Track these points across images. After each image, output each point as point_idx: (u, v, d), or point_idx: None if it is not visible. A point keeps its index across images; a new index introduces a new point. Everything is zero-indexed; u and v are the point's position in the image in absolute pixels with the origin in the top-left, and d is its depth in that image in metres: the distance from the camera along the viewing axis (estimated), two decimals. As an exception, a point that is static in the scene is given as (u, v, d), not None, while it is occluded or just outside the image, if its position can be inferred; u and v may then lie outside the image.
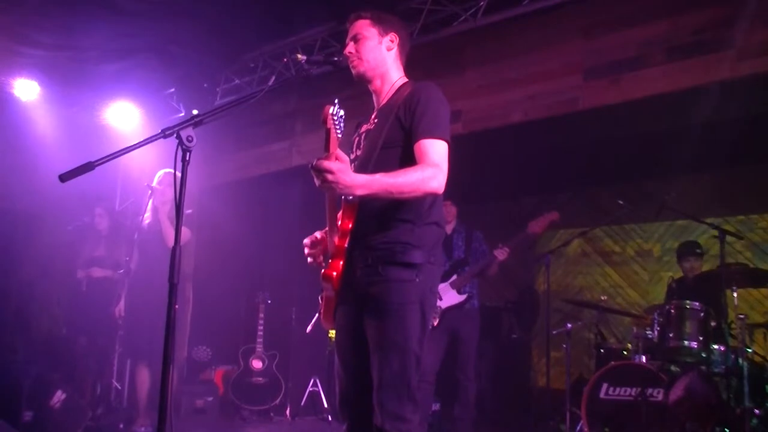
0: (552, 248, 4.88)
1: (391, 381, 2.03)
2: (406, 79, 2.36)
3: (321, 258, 2.24)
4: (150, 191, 4.80)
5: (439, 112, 2.16)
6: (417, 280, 2.08)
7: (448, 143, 2.14)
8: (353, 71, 2.33)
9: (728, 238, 4.08)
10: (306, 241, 2.28)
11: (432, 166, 2.05)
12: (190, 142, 1.96)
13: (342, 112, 1.92)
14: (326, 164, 1.89)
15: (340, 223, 2.13)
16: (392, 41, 2.33)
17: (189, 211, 4.62)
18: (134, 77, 5.91)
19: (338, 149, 1.97)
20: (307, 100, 5.95)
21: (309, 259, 2.27)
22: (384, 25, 2.33)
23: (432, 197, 2.14)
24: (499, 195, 6.96)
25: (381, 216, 2.11)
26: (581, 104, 4.36)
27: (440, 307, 4.31)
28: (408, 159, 2.12)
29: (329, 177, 1.89)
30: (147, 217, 4.85)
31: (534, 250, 6.17)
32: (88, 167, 1.85)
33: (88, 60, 5.51)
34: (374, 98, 2.38)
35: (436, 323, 4.22)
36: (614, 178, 6.03)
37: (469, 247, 4.55)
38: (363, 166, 2.19)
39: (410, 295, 2.07)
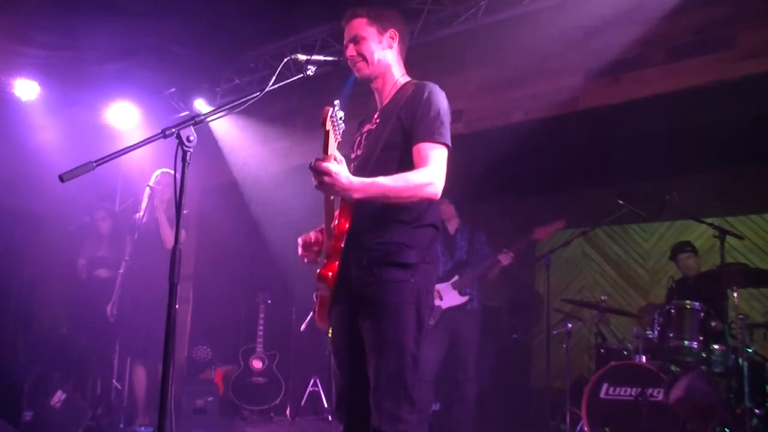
0: (552, 248, 4.87)
1: (387, 381, 2.03)
2: (408, 78, 2.33)
3: (314, 257, 2.24)
4: (149, 191, 4.79)
5: (440, 115, 2.14)
6: (412, 280, 2.07)
7: (448, 147, 2.13)
8: (358, 74, 2.29)
9: (728, 238, 4.07)
10: (300, 240, 2.28)
11: (430, 172, 2.05)
12: (190, 142, 1.97)
13: (342, 114, 1.90)
14: (324, 166, 1.88)
15: (336, 223, 2.12)
16: (392, 38, 2.29)
17: (185, 211, 4.61)
18: (134, 77, 5.91)
19: (336, 151, 1.96)
20: (307, 100, 5.95)
21: (304, 259, 2.27)
22: (382, 21, 2.28)
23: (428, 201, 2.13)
24: (499, 195, 6.96)
25: (377, 217, 2.10)
26: (581, 104, 4.36)
27: (440, 307, 4.31)
28: (407, 161, 2.12)
29: (326, 179, 1.89)
30: (143, 216, 4.84)
31: (534, 250, 6.16)
32: (88, 167, 1.85)
33: (88, 60, 5.51)
34: (376, 97, 2.36)
35: (432, 323, 4.21)
36: (614, 178, 6.03)
37: (472, 247, 4.55)
38: (362, 166, 2.18)
39: (405, 295, 2.07)
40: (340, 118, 1.90)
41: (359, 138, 2.33)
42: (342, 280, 2.12)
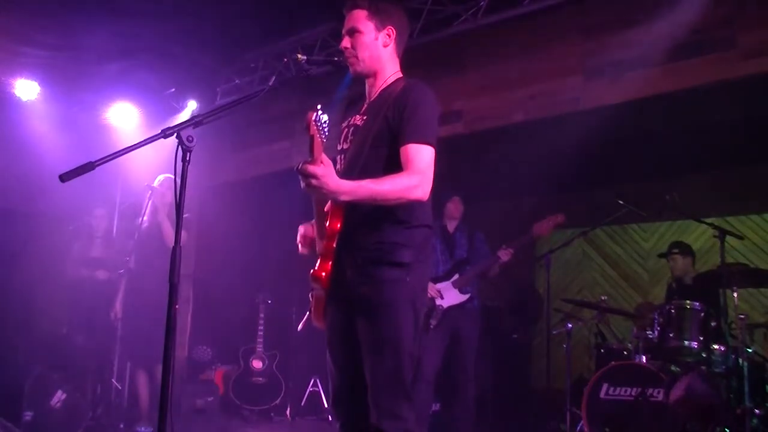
0: (552, 248, 4.87)
1: (386, 380, 2.04)
2: (400, 75, 2.31)
3: (308, 249, 2.27)
4: (150, 192, 4.79)
5: (427, 116, 2.13)
6: (407, 279, 2.08)
7: (434, 148, 2.12)
8: (350, 68, 2.28)
9: (728, 238, 4.07)
10: (300, 229, 2.30)
11: (418, 174, 2.05)
12: (190, 142, 1.97)
13: (325, 117, 1.90)
14: (311, 169, 1.89)
15: (328, 223, 2.13)
16: (389, 35, 2.26)
17: (187, 214, 4.60)
18: (134, 77, 5.91)
19: (323, 154, 1.96)
20: (307, 100, 5.95)
21: (299, 246, 2.30)
22: (381, 17, 2.24)
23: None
24: (499, 195, 6.96)
25: (369, 217, 2.10)
26: (581, 104, 4.36)
27: (442, 306, 4.29)
28: (394, 159, 2.11)
29: (313, 182, 1.90)
30: (145, 220, 4.83)
31: (534, 250, 6.16)
32: (88, 167, 1.85)
33: (89, 60, 5.52)
34: (367, 89, 2.34)
35: (434, 324, 4.21)
36: (614, 178, 6.03)
37: (472, 246, 4.54)
38: (352, 164, 2.18)
39: (401, 294, 2.07)
40: (325, 122, 1.90)
41: (346, 130, 2.32)
42: (336, 279, 2.13)
